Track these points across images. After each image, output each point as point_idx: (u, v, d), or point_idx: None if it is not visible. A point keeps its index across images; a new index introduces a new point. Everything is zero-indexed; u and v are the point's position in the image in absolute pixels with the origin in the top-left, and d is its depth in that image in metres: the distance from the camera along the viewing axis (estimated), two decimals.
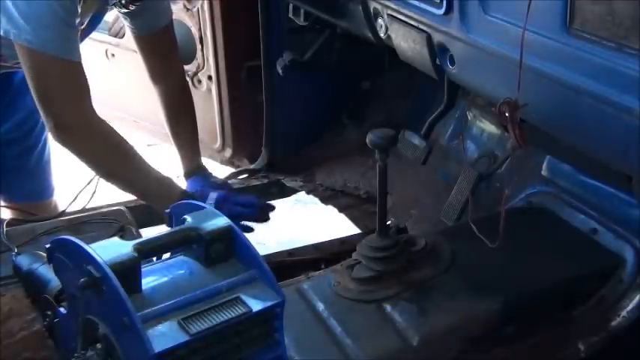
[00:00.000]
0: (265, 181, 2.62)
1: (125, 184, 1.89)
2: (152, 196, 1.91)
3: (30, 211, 2.04)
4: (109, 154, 1.84)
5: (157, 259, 1.19)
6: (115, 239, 1.13)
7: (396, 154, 2.32)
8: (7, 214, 2.06)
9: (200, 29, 2.58)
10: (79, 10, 1.76)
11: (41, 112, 1.76)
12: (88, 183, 1.95)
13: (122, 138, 1.85)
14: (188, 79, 2.44)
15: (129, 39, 2.66)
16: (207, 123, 2.63)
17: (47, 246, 1.14)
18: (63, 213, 1.89)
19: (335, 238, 2.38)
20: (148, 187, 1.90)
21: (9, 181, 2.22)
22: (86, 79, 1.79)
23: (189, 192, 1.95)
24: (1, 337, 1.33)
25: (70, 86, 1.76)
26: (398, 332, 1.39)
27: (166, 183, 1.91)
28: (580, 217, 1.68)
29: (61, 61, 1.71)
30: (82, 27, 1.91)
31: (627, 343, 1.49)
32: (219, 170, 2.62)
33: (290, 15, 2.44)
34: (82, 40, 1.99)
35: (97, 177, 1.91)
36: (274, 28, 2.46)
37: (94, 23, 2.01)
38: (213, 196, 1.95)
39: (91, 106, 1.79)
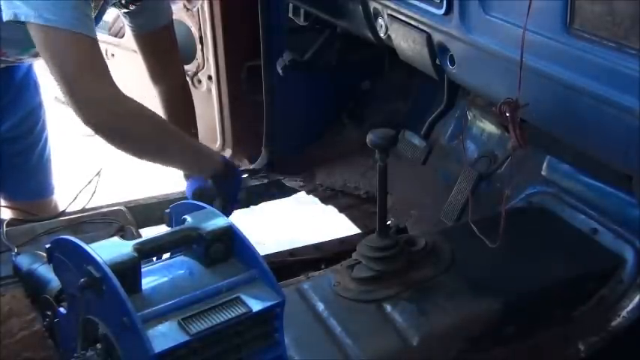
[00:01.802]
0: (265, 181, 2.62)
1: (163, 155, 1.87)
2: (193, 165, 1.93)
3: (30, 210, 2.04)
4: (144, 125, 1.80)
5: (157, 259, 1.19)
6: (115, 239, 1.13)
7: (396, 154, 2.32)
8: (7, 214, 2.06)
9: (200, 29, 2.58)
10: (92, 4, 1.76)
11: (64, 93, 1.71)
12: (88, 183, 1.95)
13: (152, 111, 1.84)
14: (188, 79, 2.44)
15: (129, 39, 2.66)
16: (207, 123, 2.63)
17: (47, 246, 1.14)
18: (63, 213, 1.89)
19: (335, 238, 2.38)
20: (188, 155, 1.91)
21: (10, 179, 2.22)
22: (104, 57, 1.77)
23: (227, 163, 1.97)
24: (1, 337, 1.33)
25: (91, 61, 1.73)
26: (398, 332, 1.39)
27: (207, 150, 1.96)
28: (580, 217, 1.68)
29: (81, 36, 1.68)
30: None
31: (627, 343, 1.49)
32: None
33: (290, 15, 2.44)
34: None
35: (98, 176, 1.90)
36: (274, 28, 2.46)
37: (95, 22, 2.01)
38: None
39: (114, 82, 1.76)
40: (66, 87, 1.70)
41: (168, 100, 2.17)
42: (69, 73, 1.70)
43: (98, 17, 1.99)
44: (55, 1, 1.64)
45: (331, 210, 2.51)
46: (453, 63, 1.73)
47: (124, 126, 1.77)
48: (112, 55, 2.82)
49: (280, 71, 2.48)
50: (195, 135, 2.20)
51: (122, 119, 1.76)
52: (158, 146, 1.85)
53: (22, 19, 1.65)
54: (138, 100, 1.80)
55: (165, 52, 2.13)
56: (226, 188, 1.95)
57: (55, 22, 1.64)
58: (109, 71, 1.76)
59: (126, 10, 2.02)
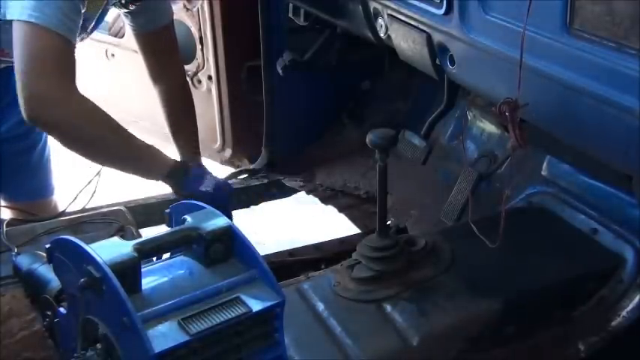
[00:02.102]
0: (265, 181, 2.62)
1: (115, 156, 1.84)
2: (144, 167, 1.88)
3: (30, 210, 2.04)
4: (100, 127, 1.79)
5: (157, 259, 1.19)
6: (115, 239, 1.13)
7: (396, 154, 2.32)
8: (7, 214, 2.06)
9: (200, 29, 2.58)
10: (84, 10, 1.76)
11: (22, 85, 1.69)
12: (88, 183, 1.95)
13: (107, 114, 1.82)
14: (188, 79, 2.44)
15: (129, 39, 2.66)
16: (207, 123, 2.63)
17: (47, 246, 1.14)
18: (63, 213, 1.89)
19: (335, 238, 2.38)
20: (140, 157, 1.86)
21: (10, 179, 2.22)
22: (74, 61, 1.78)
23: (180, 162, 1.92)
24: (1, 337, 1.33)
25: (64, 63, 1.74)
26: (398, 332, 1.39)
27: (158, 153, 1.89)
28: (580, 217, 1.68)
29: (61, 37, 1.69)
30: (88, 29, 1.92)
31: (627, 343, 1.49)
32: (220, 170, 2.63)
33: (290, 15, 2.44)
34: (83, 39, 1.99)
35: (98, 176, 1.90)
36: (274, 28, 2.46)
37: (96, 24, 2.01)
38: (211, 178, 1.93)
39: (76, 85, 1.76)
40: (25, 80, 1.69)
41: (168, 100, 2.17)
42: (33, 67, 1.69)
43: (100, 17, 1.99)
44: (42, 1, 1.65)
45: (331, 210, 2.51)
46: (453, 63, 1.73)
47: (78, 127, 1.75)
48: (112, 55, 2.82)
49: (280, 71, 2.48)
50: (195, 134, 2.20)
51: (76, 120, 1.75)
52: (111, 149, 1.82)
53: (8, 17, 1.68)
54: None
55: (165, 52, 2.13)
56: (187, 189, 1.90)
57: (36, 19, 1.66)
58: (74, 74, 1.76)
59: (126, 10, 2.02)
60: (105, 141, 1.81)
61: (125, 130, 1.84)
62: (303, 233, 2.97)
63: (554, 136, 1.57)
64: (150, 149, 1.89)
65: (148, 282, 1.08)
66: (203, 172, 1.98)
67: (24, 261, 1.45)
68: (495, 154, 2.07)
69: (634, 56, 1.21)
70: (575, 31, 1.31)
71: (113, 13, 2.57)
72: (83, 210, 1.93)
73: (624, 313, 1.50)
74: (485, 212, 1.88)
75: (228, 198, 2.03)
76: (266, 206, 2.68)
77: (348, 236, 2.37)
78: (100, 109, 1.79)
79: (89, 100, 1.77)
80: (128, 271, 1.05)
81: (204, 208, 1.19)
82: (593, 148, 1.47)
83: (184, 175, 1.90)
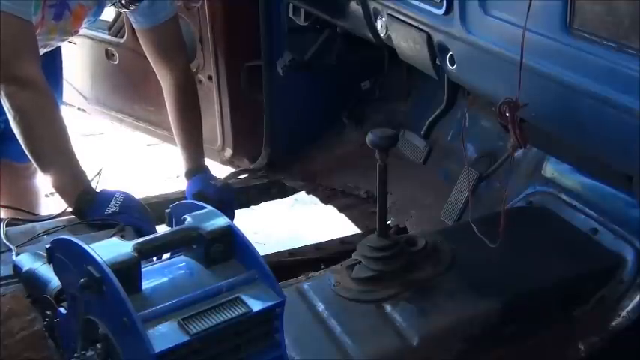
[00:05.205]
0: (265, 181, 2.63)
1: (45, 159, 1.80)
2: (62, 183, 1.81)
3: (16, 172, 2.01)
4: (47, 118, 1.78)
5: (157, 259, 1.19)
6: (115, 239, 1.13)
7: (396, 154, 2.32)
8: (7, 214, 2.06)
9: (200, 29, 2.58)
10: None
11: None
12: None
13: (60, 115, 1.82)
14: None
15: (129, 39, 2.66)
16: (207, 123, 2.63)
17: (47, 246, 1.14)
18: (63, 213, 1.89)
19: (335, 238, 2.38)
20: (64, 172, 1.80)
21: (10, 142, 2.21)
22: (36, 40, 1.79)
23: (90, 192, 1.81)
24: (2, 337, 1.33)
25: (23, 42, 1.75)
26: (398, 332, 1.39)
27: (81, 177, 1.82)
28: (580, 217, 1.68)
29: (15, 18, 1.71)
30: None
31: (627, 343, 1.49)
32: (220, 170, 2.63)
33: (290, 15, 2.44)
34: (78, 27, 2.00)
35: (98, 176, 1.89)
36: (274, 28, 2.46)
37: (94, 17, 2.01)
38: (119, 195, 1.82)
39: (38, 65, 1.77)
40: None
41: (171, 96, 2.16)
42: None
43: (96, 13, 1.99)
44: None
45: (331, 210, 2.51)
46: (453, 63, 1.73)
47: (33, 109, 1.75)
48: (112, 55, 2.82)
49: (280, 71, 2.48)
50: (199, 133, 2.19)
51: (34, 101, 1.74)
52: (47, 146, 1.80)
53: None
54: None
55: (167, 47, 2.13)
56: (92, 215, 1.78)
57: None
58: (38, 54, 1.78)
59: (128, 10, 2.02)
60: (45, 134, 1.78)
61: (67, 136, 1.81)
62: (303, 233, 2.97)
63: (554, 136, 1.58)
64: (78, 171, 1.81)
65: (148, 282, 1.09)
66: (112, 194, 1.82)
67: (24, 261, 1.45)
68: (495, 154, 2.07)
69: (634, 56, 1.21)
70: (575, 31, 1.31)
71: (113, 12, 2.57)
72: None
73: (624, 313, 1.50)
74: (485, 212, 1.88)
75: (234, 199, 2.00)
76: (266, 206, 2.68)
77: (348, 236, 2.37)
78: (55, 105, 1.79)
79: (50, 92, 1.78)
80: (128, 271, 1.05)
81: (204, 208, 1.19)
82: (593, 148, 1.47)
83: (90, 203, 1.79)
